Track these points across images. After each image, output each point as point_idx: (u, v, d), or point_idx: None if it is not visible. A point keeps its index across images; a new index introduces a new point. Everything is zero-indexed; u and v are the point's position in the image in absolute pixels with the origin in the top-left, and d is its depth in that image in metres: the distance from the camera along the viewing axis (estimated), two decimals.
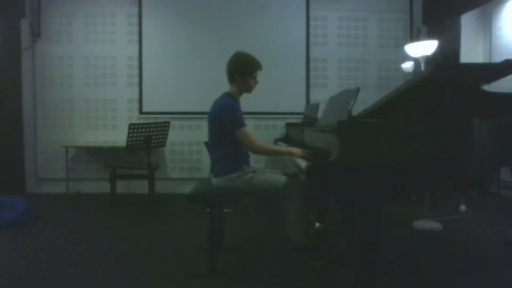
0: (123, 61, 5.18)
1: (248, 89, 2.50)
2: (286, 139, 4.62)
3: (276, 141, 4.67)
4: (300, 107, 5.07)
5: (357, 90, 2.11)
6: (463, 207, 3.78)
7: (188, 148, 5.24)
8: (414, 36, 5.24)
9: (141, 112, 5.18)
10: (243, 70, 2.42)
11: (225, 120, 2.35)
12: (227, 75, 2.49)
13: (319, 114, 3.43)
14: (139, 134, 3.90)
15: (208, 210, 2.44)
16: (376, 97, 2.23)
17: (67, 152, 4.88)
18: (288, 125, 4.84)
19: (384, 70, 5.34)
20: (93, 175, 5.12)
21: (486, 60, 4.93)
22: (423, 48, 3.41)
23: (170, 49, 5.16)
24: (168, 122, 4.23)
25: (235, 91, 2.50)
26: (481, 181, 2.01)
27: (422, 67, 3.49)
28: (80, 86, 5.17)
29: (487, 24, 5.00)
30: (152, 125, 4.03)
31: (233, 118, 2.34)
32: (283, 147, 2.60)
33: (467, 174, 1.86)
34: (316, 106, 3.89)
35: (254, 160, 4.16)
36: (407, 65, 4.67)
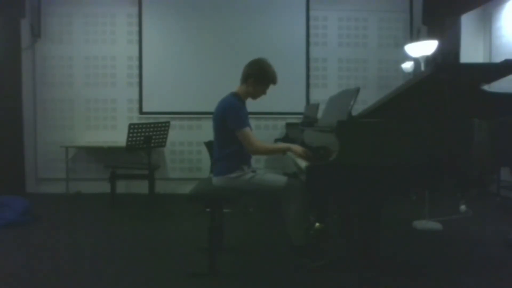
0: (123, 61, 5.18)
1: (255, 96, 2.54)
2: (286, 139, 4.62)
3: (276, 141, 4.67)
4: (300, 107, 5.07)
5: (357, 90, 2.11)
6: (463, 207, 3.77)
7: (188, 148, 5.24)
8: (414, 36, 5.23)
9: (141, 112, 5.18)
10: (261, 76, 2.45)
11: (228, 119, 2.36)
12: (242, 75, 2.50)
13: (319, 114, 3.44)
14: (139, 134, 3.90)
15: (208, 210, 2.44)
16: (376, 97, 2.23)
17: (67, 152, 4.89)
18: (288, 125, 4.84)
19: (384, 70, 5.34)
20: (93, 175, 5.12)
21: (486, 60, 4.93)
22: (423, 48, 3.41)
23: (170, 49, 5.15)
24: (168, 122, 4.23)
25: (243, 92, 2.51)
26: (481, 181, 2.01)
27: (422, 67, 3.49)
28: (80, 86, 5.17)
29: (487, 24, 4.99)
30: (152, 125, 4.03)
31: (235, 117, 2.35)
32: (282, 143, 2.61)
33: (467, 174, 1.86)
34: (316, 106, 3.89)
35: (254, 160, 4.16)
36: (407, 65, 4.67)
